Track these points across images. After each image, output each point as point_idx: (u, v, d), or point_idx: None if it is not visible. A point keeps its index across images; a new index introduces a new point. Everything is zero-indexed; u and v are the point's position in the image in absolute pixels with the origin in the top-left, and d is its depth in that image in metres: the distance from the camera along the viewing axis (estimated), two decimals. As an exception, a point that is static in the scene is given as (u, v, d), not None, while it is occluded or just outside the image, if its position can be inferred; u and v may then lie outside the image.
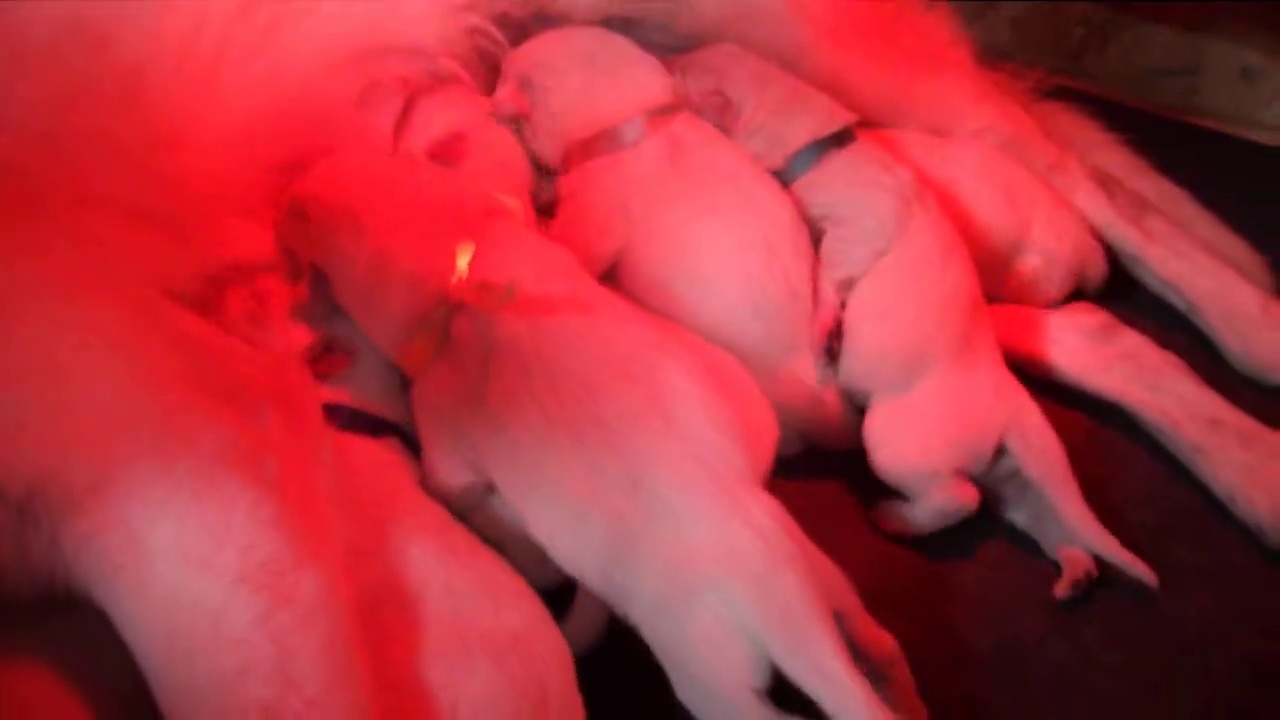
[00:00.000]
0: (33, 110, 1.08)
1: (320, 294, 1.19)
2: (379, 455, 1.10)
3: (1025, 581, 1.21)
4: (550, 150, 1.37)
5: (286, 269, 1.20)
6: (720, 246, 1.27)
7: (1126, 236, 1.49)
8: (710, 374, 1.08)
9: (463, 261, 1.10)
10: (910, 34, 1.49)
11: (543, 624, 1.00)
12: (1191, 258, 1.48)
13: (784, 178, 1.35)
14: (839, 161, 1.34)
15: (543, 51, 1.40)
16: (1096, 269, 1.48)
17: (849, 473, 1.28)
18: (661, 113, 1.33)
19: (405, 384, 1.15)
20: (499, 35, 1.38)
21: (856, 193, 1.32)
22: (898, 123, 1.49)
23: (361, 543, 0.99)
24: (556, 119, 1.36)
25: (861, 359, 1.27)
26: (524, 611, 1.00)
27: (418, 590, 0.99)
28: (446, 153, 1.31)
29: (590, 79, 1.36)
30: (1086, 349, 1.39)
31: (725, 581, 0.95)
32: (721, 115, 1.37)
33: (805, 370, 1.27)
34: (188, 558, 0.86)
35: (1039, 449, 1.22)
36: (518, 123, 1.39)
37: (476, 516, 1.09)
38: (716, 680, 0.94)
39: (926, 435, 1.22)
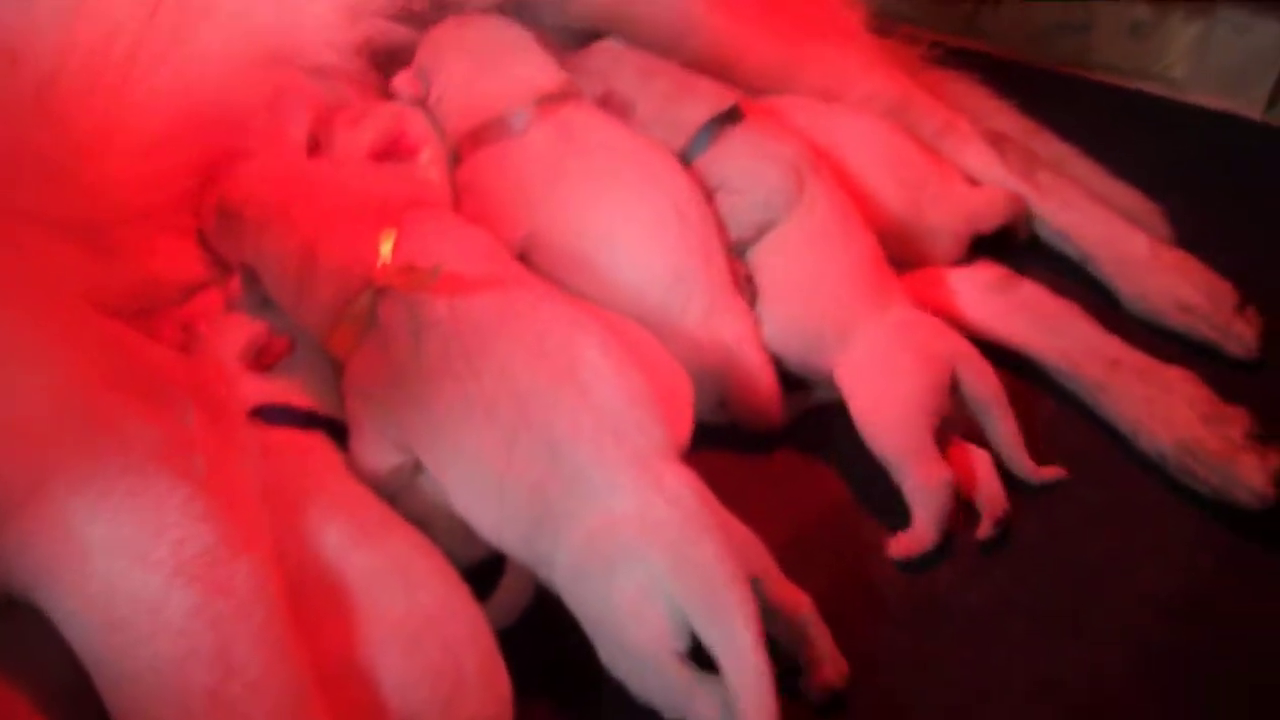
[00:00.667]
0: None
1: (252, 292, 1.23)
2: (301, 445, 1.13)
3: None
4: (446, 138, 1.41)
5: (213, 281, 1.25)
6: (634, 219, 1.31)
7: (1018, 191, 1.54)
8: (624, 348, 1.11)
9: (386, 247, 1.13)
10: (800, 2, 1.53)
11: (458, 602, 1.02)
12: (1081, 208, 1.54)
13: (683, 160, 1.40)
14: (732, 138, 1.40)
15: (437, 39, 1.44)
16: (988, 222, 1.53)
17: (768, 440, 1.32)
18: (549, 100, 1.37)
19: (337, 378, 1.18)
20: (403, 31, 1.40)
21: (749, 165, 1.37)
22: (788, 91, 1.53)
23: (283, 531, 1.01)
24: (443, 106, 1.41)
25: (779, 329, 1.32)
26: (436, 591, 1.03)
27: (334, 575, 1.01)
28: (396, 150, 1.35)
29: (476, 68, 1.39)
30: (988, 301, 1.44)
31: (643, 551, 0.98)
32: (621, 114, 1.42)
33: (728, 330, 1.30)
34: (125, 552, 0.88)
35: (982, 373, 1.28)
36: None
37: (404, 498, 1.13)
38: (638, 645, 0.97)
39: (892, 378, 1.27)
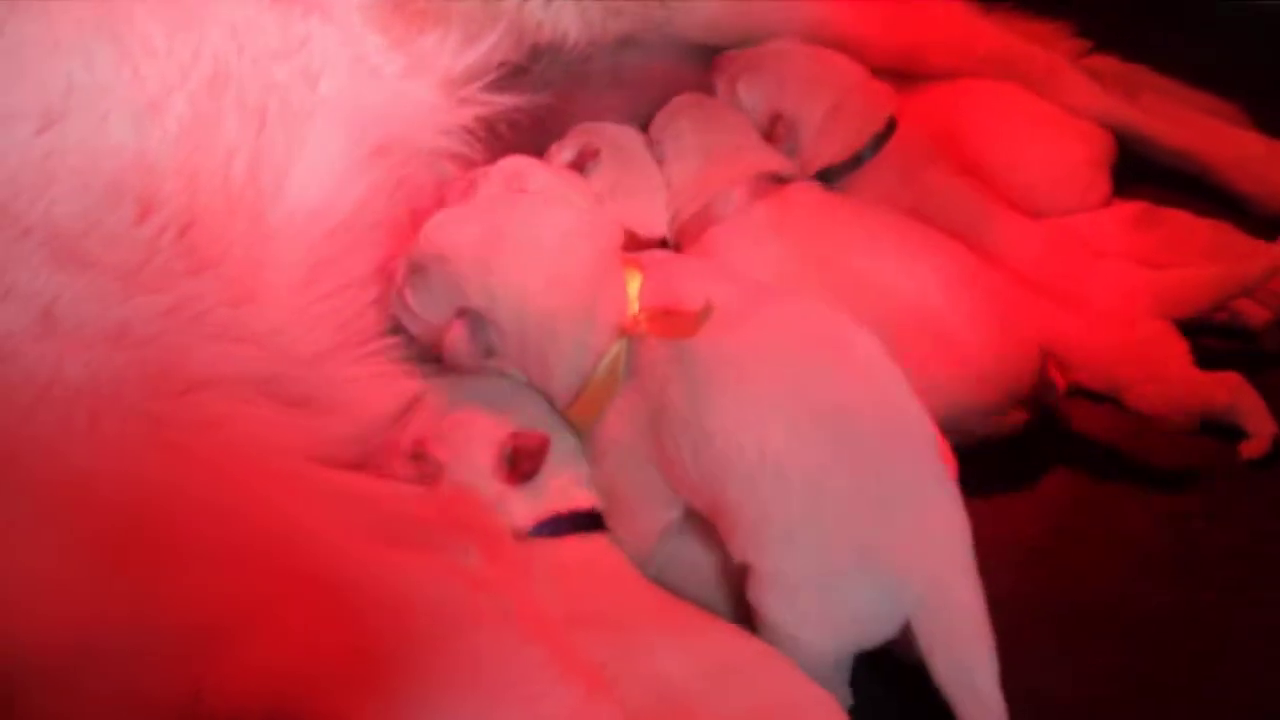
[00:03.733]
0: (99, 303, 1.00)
1: (478, 341, 1.09)
2: (589, 553, 1.05)
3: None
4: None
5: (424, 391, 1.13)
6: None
7: (1129, 119, 1.52)
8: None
9: (633, 290, 1.06)
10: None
11: (798, 678, 0.97)
12: (1190, 123, 1.52)
13: (838, 176, 1.38)
14: (889, 154, 1.39)
15: (671, 122, 1.41)
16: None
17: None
18: (768, 178, 1.34)
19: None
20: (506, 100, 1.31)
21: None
22: (916, 69, 1.50)
23: (605, 650, 0.95)
24: (674, 191, 1.37)
25: None
26: (778, 675, 0.97)
27: (676, 689, 0.95)
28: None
29: (703, 154, 1.37)
30: (1135, 237, 1.41)
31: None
32: (787, 138, 1.39)
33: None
34: None
35: None
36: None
37: (672, 570, 1.07)
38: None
39: None
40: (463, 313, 1.08)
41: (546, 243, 1.09)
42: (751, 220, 1.30)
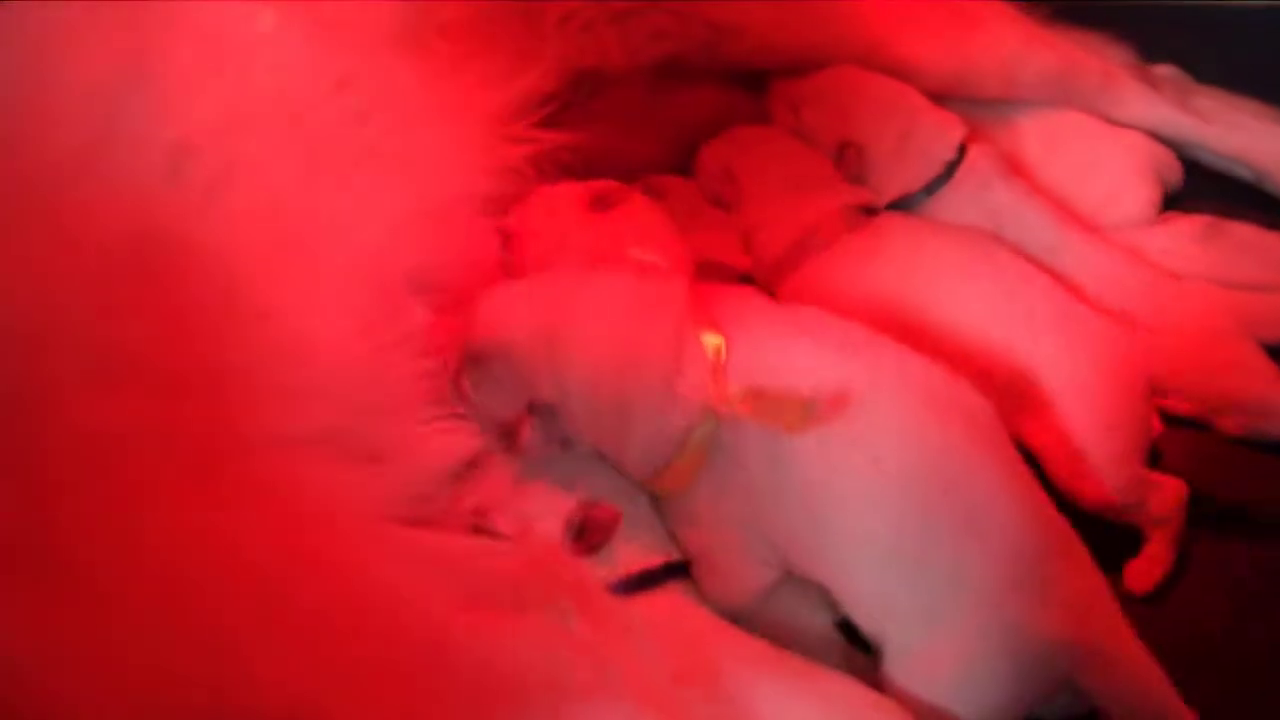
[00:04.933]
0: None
1: (549, 435, 1.02)
2: (670, 610, 0.99)
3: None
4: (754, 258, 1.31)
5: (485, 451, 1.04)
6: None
7: (1183, 124, 1.48)
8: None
9: (717, 362, 0.98)
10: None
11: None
12: (1246, 127, 1.48)
13: (903, 205, 1.33)
14: (961, 179, 1.33)
15: (742, 152, 1.35)
16: (1174, 171, 1.47)
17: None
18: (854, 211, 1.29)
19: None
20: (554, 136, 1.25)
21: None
22: (964, 93, 1.44)
23: (712, 709, 0.89)
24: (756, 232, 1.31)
25: None
26: (886, 709, 0.92)
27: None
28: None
29: (781, 189, 1.31)
30: (1203, 251, 1.36)
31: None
32: (856, 167, 1.34)
33: None
34: None
35: None
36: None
37: (762, 620, 1.01)
38: None
39: None
40: (533, 408, 1.00)
41: (615, 318, 1.00)
42: (848, 253, 1.25)
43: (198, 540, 0.85)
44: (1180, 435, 1.22)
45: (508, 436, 1.02)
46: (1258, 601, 1.12)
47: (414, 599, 0.87)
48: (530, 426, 1.00)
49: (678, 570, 1.01)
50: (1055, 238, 1.29)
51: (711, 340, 0.99)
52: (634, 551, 1.00)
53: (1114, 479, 1.10)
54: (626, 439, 0.99)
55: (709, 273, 1.21)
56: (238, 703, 0.79)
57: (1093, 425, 1.12)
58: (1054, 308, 1.18)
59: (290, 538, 0.88)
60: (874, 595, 0.96)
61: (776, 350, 1.00)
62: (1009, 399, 1.11)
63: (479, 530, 1.00)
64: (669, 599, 0.99)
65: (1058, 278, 1.24)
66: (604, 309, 1.01)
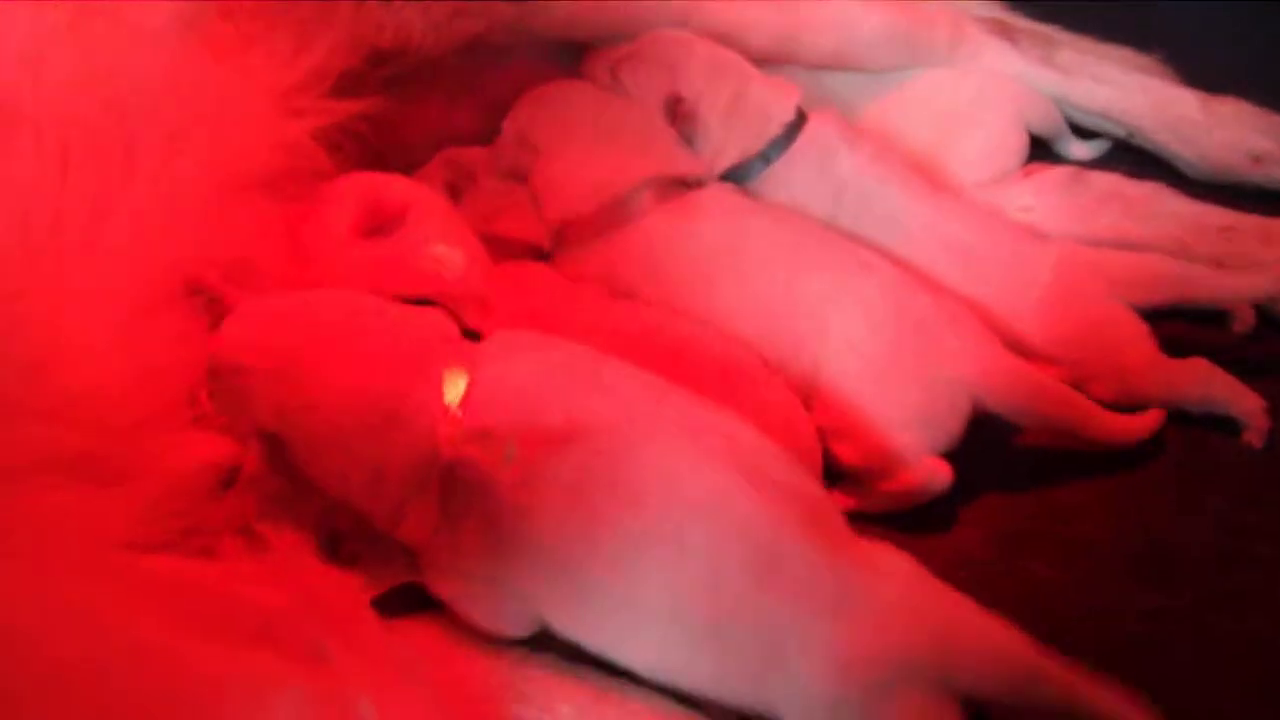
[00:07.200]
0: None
1: (278, 466, 0.94)
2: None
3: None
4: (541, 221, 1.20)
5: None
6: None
7: (1044, 80, 1.41)
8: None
9: (453, 397, 0.89)
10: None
11: None
12: (1114, 81, 1.40)
13: (741, 175, 1.24)
14: (802, 146, 1.24)
15: (544, 112, 1.24)
16: (1042, 112, 1.41)
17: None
18: (673, 181, 1.19)
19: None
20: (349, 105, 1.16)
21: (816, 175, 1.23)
22: (797, 56, 1.36)
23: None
24: (548, 190, 1.20)
25: None
26: None
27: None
28: (382, 221, 1.11)
29: (588, 148, 1.20)
30: (1068, 202, 1.30)
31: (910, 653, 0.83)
32: (688, 124, 1.23)
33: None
34: None
35: None
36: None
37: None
38: None
39: None
40: (260, 434, 0.93)
41: (354, 352, 0.93)
42: (653, 231, 1.16)
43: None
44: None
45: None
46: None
47: (147, 634, 0.78)
48: (256, 453, 0.94)
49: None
50: (902, 207, 1.21)
51: (456, 379, 0.90)
52: (400, 569, 0.92)
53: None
54: (352, 477, 0.91)
55: (503, 250, 1.14)
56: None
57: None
58: (881, 301, 1.11)
59: (18, 577, 0.80)
60: (673, 673, 0.86)
61: (521, 392, 0.91)
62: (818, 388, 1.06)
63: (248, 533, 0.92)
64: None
65: (903, 251, 1.18)
66: (345, 341, 0.94)
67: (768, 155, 1.23)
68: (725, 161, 1.23)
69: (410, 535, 0.91)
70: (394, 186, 1.14)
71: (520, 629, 0.90)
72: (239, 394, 0.94)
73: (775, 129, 1.23)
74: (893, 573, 0.85)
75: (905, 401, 1.06)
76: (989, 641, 0.84)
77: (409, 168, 1.24)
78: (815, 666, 0.82)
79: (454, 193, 1.21)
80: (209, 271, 1.02)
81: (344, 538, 0.92)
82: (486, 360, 0.92)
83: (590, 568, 0.85)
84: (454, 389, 0.90)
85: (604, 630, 0.86)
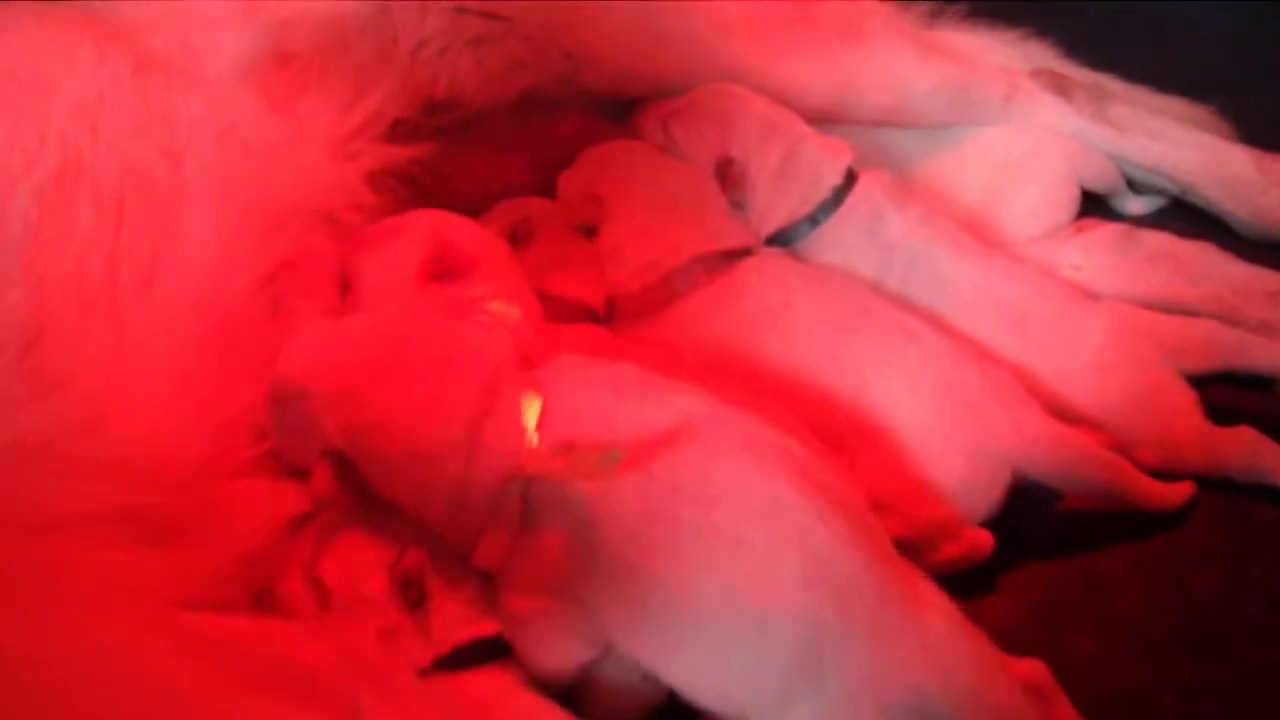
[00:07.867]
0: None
1: (347, 487, 0.96)
2: (496, 688, 0.91)
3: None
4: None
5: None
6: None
7: (1098, 136, 1.39)
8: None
9: (530, 420, 0.91)
10: (820, 3, 1.34)
11: None
12: (1169, 136, 1.40)
13: (789, 237, 1.24)
14: (851, 209, 1.24)
15: (606, 171, 1.27)
16: (1098, 173, 1.40)
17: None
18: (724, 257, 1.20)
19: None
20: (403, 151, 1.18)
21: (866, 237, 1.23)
22: (855, 112, 1.36)
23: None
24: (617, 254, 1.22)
25: None
26: None
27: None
28: (449, 264, 1.12)
29: (648, 217, 1.22)
30: (1118, 262, 1.29)
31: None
32: (737, 187, 1.24)
33: None
34: None
35: None
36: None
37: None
38: None
39: None
40: (326, 453, 0.95)
41: (421, 371, 0.96)
42: (700, 307, 1.17)
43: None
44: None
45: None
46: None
47: (190, 690, 0.80)
48: (322, 473, 0.95)
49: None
50: (951, 267, 1.21)
51: (531, 400, 0.93)
52: (459, 608, 0.93)
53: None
54: (429, 494, 0.93)
55: (558, 312, 1.14)
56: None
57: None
58: (932, 367, 1.11)
59: (64, 629, 0.82)
60: (710, 674, 0.88)
61: (593, 409, 0.94)
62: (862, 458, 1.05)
63: (315, 583, 0.94)
64: (496, 679, 0.91)
65: (952, 313, 1.19)
66: (411, 361, 0.96)
67: (816, 218, 1.23)
68: (773, 224, 1.24)
69: (486, 556, 0.93)
70: (464, 231, 1.15)
71: (584, 650, 0.91)
72: (303, 418, 0.96)
73: (824, 192, 1.24)
74: (939, 608, 0.87)
75: (948, 472, 1.06)
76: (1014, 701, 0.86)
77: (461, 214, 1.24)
78: (846, 675, 0.84)
79: (513, 240, 1.22)
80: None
81: (412, 581, 0.93)
82: (554, 382, 0.95)
83: (655, 567, 0.88)
84: (531, 410, 0.93)
85: (661, 634, 0.88)
